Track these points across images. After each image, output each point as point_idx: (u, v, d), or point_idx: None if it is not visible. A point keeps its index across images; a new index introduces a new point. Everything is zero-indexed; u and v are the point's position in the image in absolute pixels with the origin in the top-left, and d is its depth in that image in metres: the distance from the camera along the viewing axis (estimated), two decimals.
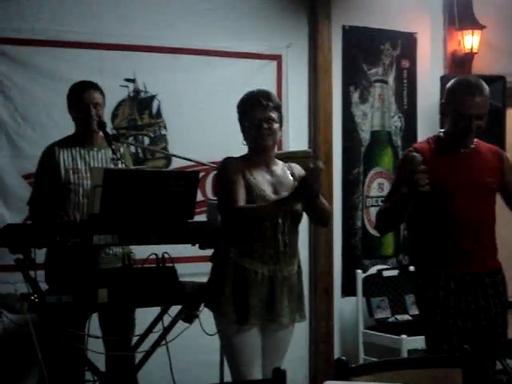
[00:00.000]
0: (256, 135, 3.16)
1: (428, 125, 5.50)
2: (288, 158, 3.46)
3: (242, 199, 3.08)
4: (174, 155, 4.44)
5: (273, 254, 3.13)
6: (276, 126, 3.18)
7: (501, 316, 3.21)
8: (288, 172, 3.27)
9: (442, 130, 3.27)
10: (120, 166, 3.77)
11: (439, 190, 3.06)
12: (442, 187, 3.10)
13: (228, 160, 3.21)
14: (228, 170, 3.14)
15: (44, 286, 3.47)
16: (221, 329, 3.19)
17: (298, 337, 3.30)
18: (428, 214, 3.16)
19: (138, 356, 3.62)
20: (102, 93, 3.82)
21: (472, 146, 3.22)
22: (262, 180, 3.16)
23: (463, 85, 3.18)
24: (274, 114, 3.18)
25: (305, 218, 3.31)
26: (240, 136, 3.26)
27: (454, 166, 3.18)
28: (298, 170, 3.30)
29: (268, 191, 3.15)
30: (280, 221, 3.13)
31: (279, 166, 3.27)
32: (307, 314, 3.33)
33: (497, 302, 3.19)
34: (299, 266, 3.26)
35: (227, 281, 3.12)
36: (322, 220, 3.37)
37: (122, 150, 3.91)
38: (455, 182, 3.14)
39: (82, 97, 3.76)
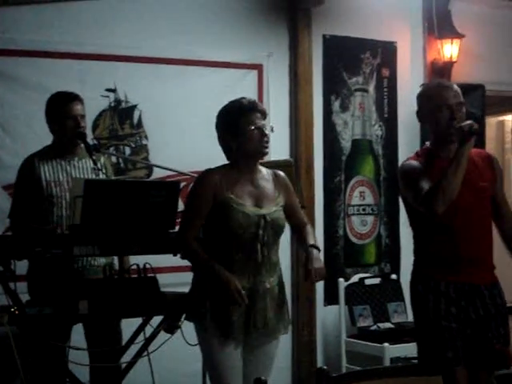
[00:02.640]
0: (259, 141, 3.10)
1: (409, 133, 5.54)
2: (269, 167, 3.45)
3: (197, 226, 3.12)
4: (155, 165, 4.43)
5: (253, 266, 3.10)
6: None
7: (501, 326, 3.13)
8: (271, 181, 3.21)
9: (428, 143, 3.28)
10: (101, 176, 3.76)
11: None
12: None
13: (206, 174, 3.14)
14: (201, 187, 3.11)
15: (26, 298, 3.45)
16: (202, 343, 3.14)
17: (280, 346, 3.28)
18: (429, 220, 3.10)
19: (120, 367, 3.61)
20: (83, 104, 3.80)
21: None
22: (242, 193, 3.11)
23: (433, 84, 3.33)
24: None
25: (287, 228, 3.30)
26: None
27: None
28: (285, 181, 3.25)
29: (248, 204, 3.10)
30: (260, 232, 3.11)
31: (263, 175, 3.21)
32: (290, 326, 3.31)
33: (495, 312, 3.12)
34: (280, 277, 3.23)
35: (208, 294, 3.08)
36: None
37: (102, 160, 3.89)
38: None
39: (69, 109, 3.70)
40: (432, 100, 3.14)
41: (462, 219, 3.10)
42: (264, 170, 3.23)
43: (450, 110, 3.11)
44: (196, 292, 3.16)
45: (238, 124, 3.11)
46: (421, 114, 3.23)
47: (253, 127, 3.10)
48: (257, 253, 3.10)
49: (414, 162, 3.18)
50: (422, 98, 3.21)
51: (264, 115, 3.17)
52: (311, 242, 3.21)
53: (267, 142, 3.14)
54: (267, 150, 3.16)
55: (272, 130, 3.21)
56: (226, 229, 3.08)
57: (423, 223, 3.16)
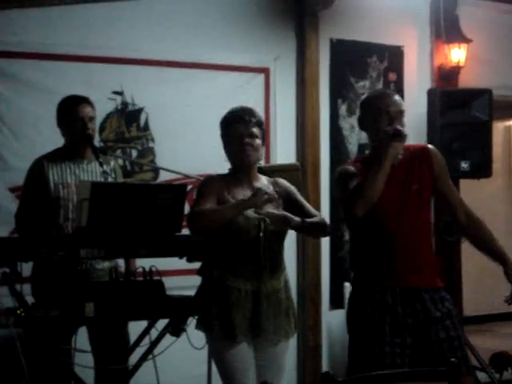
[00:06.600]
0: (239, 150, 3.13)
1: (415, 137, 5.46)
2: (276, 171, 3.45)
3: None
4: (162, 168, 4.44)
5: (255, 270, 3.10)
6: (258, 141, 3.15)
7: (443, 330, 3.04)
8: (272, 188, 3.21)
9: (367, 151, 3.26)
10: (110, 180, 3.76)
11: None
12: None
13: (208, 179, 3.22)
14: (204, 188, 3.16)
15: (29, 300, 3.45)
16: (211, 346, 3.17)
17: None
18: (364, 228, 3.08)
19: (126, 369, 3.60)
20: (93, 107, 3.81)
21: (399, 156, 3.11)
22: (241, 197, 3.12)
23: (375, 92, 3.34)
24: (256, 130, 3.14)
25: (292, 232, 3.30)
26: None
27: None
28: (285, 185, 3.27)
29: (249, 210, 3.10)
30: (262, 235, 3.10)
31: (262, 182, 3.22)
32: (296, 330, 3.31)
33: (440, 317, 3.03)
34: (286, 281, 3.23)
35: (212, 299, 3.10)
36: (318, 234, 3.46)
37: (112, 164, 3.89)
38: (382, 194, 3.00)
39: (76, 111, 3.72)
40: (372, 107, 3.10)
41: (395, 224, 3.04)
42: (264, 179, 3.24)
43: (389, 116, 3.06)
44: (201, 298, 3.17)
45: (224, 134, 3.19)
46: (362, 122, 3.18)
47: (230, 139, 3.14)
48: (259, 256, 3.10)
49: (349, 167, 3.15)
50: (363, 105, 3.18)
51: (249, 123, 3.13)
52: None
53: (246, 150, 3.12)
54: (249, 158, 3.14)
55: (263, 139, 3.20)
56: (228, 232, 3.09)
57: (357, 232, 3.13)
